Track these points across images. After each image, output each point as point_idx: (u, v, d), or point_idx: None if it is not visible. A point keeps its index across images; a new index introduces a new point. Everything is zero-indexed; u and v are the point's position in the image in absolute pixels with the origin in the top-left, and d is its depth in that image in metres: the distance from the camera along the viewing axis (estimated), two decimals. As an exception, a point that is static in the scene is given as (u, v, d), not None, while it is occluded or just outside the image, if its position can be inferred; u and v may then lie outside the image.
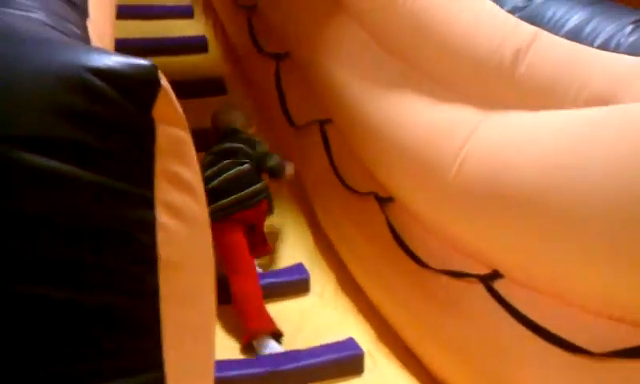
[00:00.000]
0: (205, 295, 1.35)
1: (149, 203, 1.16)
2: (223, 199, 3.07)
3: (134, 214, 1.14)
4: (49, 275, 1.07)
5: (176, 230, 1.21)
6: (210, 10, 5.12)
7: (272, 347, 2.87)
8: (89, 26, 1.74)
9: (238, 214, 3.09)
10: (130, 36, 4.41)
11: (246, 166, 3.19)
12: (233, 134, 3.36)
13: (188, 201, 1.25)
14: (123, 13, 4.01)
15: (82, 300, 1.09)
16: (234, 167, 3.17)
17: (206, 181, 3.04)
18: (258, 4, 4.29)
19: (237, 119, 3.48)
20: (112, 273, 1.12)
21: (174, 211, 1.21)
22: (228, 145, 3.27)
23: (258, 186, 3.18)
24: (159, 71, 1.17)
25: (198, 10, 5.22)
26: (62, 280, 1.08)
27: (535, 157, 2.15)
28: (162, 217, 1.18)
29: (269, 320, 2.93)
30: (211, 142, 3.37)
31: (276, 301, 3.15)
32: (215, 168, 3.16)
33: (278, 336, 2.93)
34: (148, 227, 1.16)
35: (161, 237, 1.18)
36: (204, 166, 3.17)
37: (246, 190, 3.13)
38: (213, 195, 2.97)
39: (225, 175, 3.14)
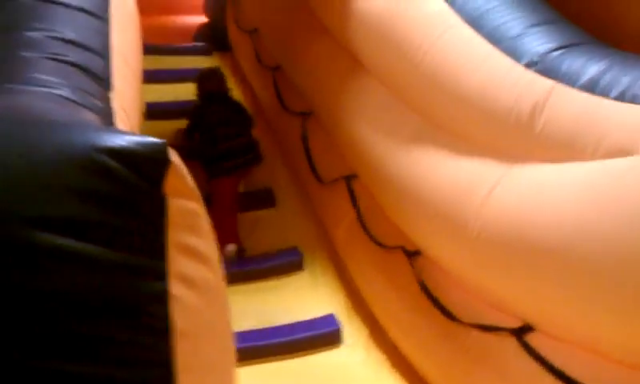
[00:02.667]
0: (223, 363, 1.36)
1: (161, 275, 1.19)
2: (236, 158, 3.98)
3: (146, 286, 1.18)
4: (64, 350, 1.10)
5: (190, 300, 1.24)
6: (237, 71, 5.25)
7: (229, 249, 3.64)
8: (112, 97, 1.81)
9: (241, 171, 4.02)
10: (161, 99, 4.55)
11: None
12: (226, 95, 4.20)
13: (202, 271, 1.28)
14: (153, 77, 4.16)
15: (97, 373, 1.12)
16: (246, 132, 4.10)
17: (224, 138, 3.97)
18: (282, 65, 4.39)
19: (226, 81, 4.31)
20: (125, 345, 1.14)
21: (188, 282, 1.24)
22: (233, 107, 4.16)
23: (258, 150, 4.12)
24: (169, 147, 1.21)
25: (226, 72, 5.35)
26: (76, 354, 1.11)
27: (557, 209, 2.14)
28: (176, 288, 1.21)
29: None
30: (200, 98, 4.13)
31: (307, 353, 3.15)
32: (230, 129, 4.00)
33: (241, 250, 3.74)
34: (161, 299, 1.19)
35: (175, 308, 1.20)
36: (212, 114, 3.98)
37: (253, 153, 4.09)
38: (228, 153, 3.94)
39: (238, 138, 4.05)
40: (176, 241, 1.22)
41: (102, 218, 1.14)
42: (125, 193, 1.16)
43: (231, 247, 3.70)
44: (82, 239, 1.12)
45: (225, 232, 3.48)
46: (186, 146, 4.00)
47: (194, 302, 1.25)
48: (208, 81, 4.27)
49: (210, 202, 3.65)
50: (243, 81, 5.16)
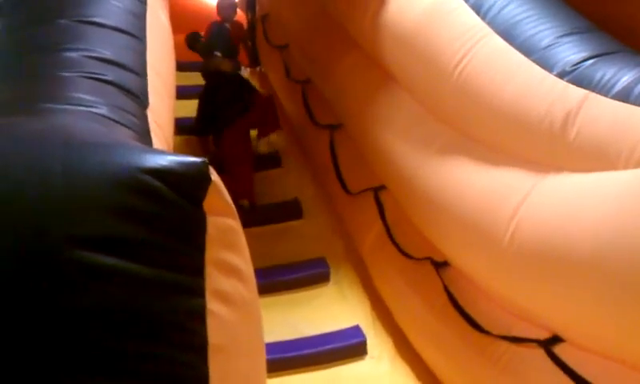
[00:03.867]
0: (255, 377, 1.38)
1: (200, 292, 1.22)
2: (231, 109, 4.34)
3: (185, 303, 1.20)
4: (104, 367, 1.12)
5: (226, 315, 1.26)
6: (266, 85, 5.31)
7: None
8: (149, 114, 1.85)
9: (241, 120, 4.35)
10: (190, 115, 4.62)
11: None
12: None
13: (238, 286, 1.31)
14: (185, 93, 4.24)
15: None
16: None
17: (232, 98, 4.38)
18: (311, 79, 4.43)
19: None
20: (164, 362, 1.17)
21: (224, 298, 1.26)
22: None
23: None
24: (209, 167, 1.24)
25: (254, 85, 5.40)
26: (116, 371, 1.13)
27: (589, 219, 2.13)
28: (213, 304, 1.23)
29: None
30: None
31: (333, 365, 3.16)
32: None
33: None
34: (199, 315, 1.21)
35: (211, 324, 1.22)
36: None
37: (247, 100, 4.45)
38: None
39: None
40: (214, 258, 1.25)
41: (144, 236, 1.17)
42: (167, 212, 1.19)
43: (244, 202, 4.08)
44: (124, 258, 1.15)
45: (239, 188, 3.94)
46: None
47: (230, 317, 1.28)
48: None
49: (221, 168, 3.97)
50: (273, 95, 5.21)
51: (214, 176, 1.25)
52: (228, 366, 1.26)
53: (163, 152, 1.24)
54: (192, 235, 1.22)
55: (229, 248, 1.29)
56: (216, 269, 1.25)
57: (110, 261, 1.14)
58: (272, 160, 4.61)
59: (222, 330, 1.25)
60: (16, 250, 1.11)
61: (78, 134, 1.31)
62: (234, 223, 1.32)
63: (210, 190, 1.23)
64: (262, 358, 1.42)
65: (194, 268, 1.22)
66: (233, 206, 1.32)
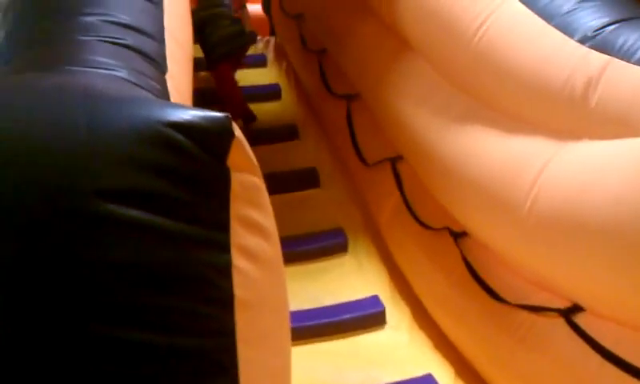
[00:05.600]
0: (280, 335, 1.39)
1: (225, 247, 1.22)
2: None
3: (211, 258, 1.21)
4: (130, 319, 1.14)
5: (251, 272, 1.26)
6: (282, 58, 5.28)
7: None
8: (168, 80, 1.85)
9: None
10: (206, 85, 4.61)
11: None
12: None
13: (262, 244, 1.31)
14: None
15: (161, 342, 1.15)
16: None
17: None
18: (327, 48, 4.40)
19: None
20: (190, 315, 1.18)
21: (249, 254, 1.27)
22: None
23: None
24: (232, 122, 1.24)
25: (270, 58, 5.39)
26: (141, 323, 1.14)
27: (611, 186, 2.11)
28: (238, 260, 1.24)
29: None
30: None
31: (352, 334, 3.18)
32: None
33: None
34: (224, 270, 1.22)
35: (236, 279, 1.23)
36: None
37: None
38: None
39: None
40: (238, 214, 1.25)
41: (168, 190, 1.17)
42: (190, 166, 1.19)
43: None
44: (148, 211, 1.15)
45: (235, 106, 4.50)
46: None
47: (255, 273, 1.28)
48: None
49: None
50: (288, 65, 5.19)
51: (238, 132, 1.25)
52: (254, 321, 1.27)
53: (186, 107, 1.23)
54: (216, 190, 1.22)
55: (253, 205, 1.29)
56: (240, 225, 1.25)
57: (136, 214, 1.14)
58: (289, 131, 4.59)
59: (248, 286, 1.25)
60: (42, 204, 1.11)
61: (100, 90, 1.30)
62: (258, 181, 1.32)
63: (234, 145, 1.23)
64: (286, 315, 1.43)
65: (219, 223, 1.22)
66: (256, 163, 1.32)
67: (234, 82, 4.80)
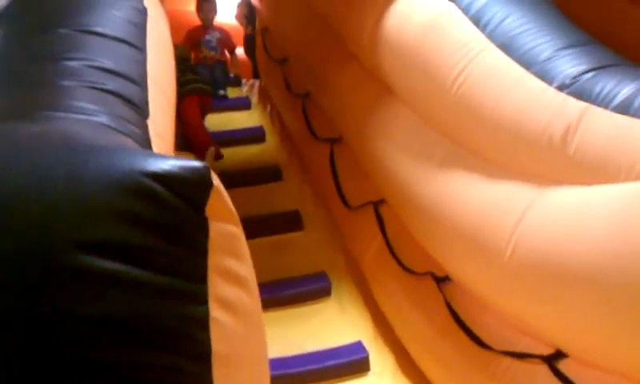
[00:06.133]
0: (259, 387, 1.36)
1: (203, 299, 1.21)
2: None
3: (188, 310, 1.18)
4: (106, 373, 1.11)
5: (229, 324, 1.24)
6: (266, 100, 5.32)
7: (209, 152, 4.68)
8: (149, 125, 1.84)
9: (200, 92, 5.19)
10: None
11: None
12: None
13: (241, 295, 1.29)
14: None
15: None
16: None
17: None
18: (310, 92, 4.44)
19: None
20: (168, 370, 1.15)
21: (227, 306, 1.25)
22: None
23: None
24: (211, 171, 1.23)
25: (254, 101, 5.44)
26: (119, 378, 1.12)
27: (590, 232, 2.12)
28: (216, 312, 1.22)
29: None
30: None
31: (335, 381, 3.14)
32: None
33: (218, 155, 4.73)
34: (202, 323, 1.20)
35: (214, 332, 1.21)
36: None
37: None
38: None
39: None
40: (217, 264, 1.24)
41: (146, 241, 1.16)
42: (169, 217, 1.18)
43: (211, 150, 4.66)
44: (126, 263, 1.14)
45: (202, 140, 4.75)
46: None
47: (233, 326, 1.26)
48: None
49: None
50: (272, 108, 5.24)
51: (216, 181, 1.24)
52: (232, 375, 1.25)
53: (165, 156, 1.22)
54: (194, 240, 1.21)
55: (231, 255, 1.28)
56: (219, 275, 1.24)
57: (113, 266, 1.12)
58: (273, 173, 4.60)
59: (226, 339, 1.23)
60: (17, 254, 1.10)
61: (79, 139, 1.30)
62: (237, 230, 1.31)
63: (212, 194, 1.22)
64: (266, 369, 1.40)
65: (197, 274, 1.21)
66: (235, 212, 1.31)
67: (199, 120, 5.02)
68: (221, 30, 5.85)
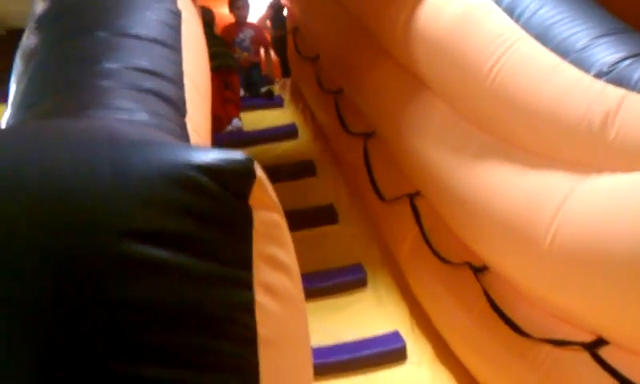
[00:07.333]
0: (302, 370, 1.39)
1: (248, 285, 1.23)
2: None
3: (234, 296, 1.21)
4: (155, 358, 1.14)
5: (274, 309, 1.27)
6: (298, 98, 5.36)
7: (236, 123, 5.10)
8: (187, 123, 1.88)
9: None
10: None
11: None
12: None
13: (284, 281, 1.32)
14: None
15: (187, 380, 1.15)
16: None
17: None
18: (343, 88, 4.46)
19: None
20: (214, 354, 1.18)
21: (272, 291, 1.27)
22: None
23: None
24: (254, 163, 1.26)
25: (287, 99, 5.48)
26: (166, 361, 1.15)
27: (630, 219, 2.10)
28: (261, 297, 1.25)
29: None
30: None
31: (373, 370, 3.17)
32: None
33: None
34: (248, 308, 1.23)
35: (260, 317, 1.24)
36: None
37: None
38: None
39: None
40: (261, 251, 1.26)
41: (193, 230, 1.19)
42: (215, 207, 1.21)
43: (236, 121, 4.96)
44: (173, 251, 1.17)
45: (228, 114, 5.00)
46: None
47: (277, 311, 1.29)
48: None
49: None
50: (304, 105, 5.27)
51: (259, 172, 1.27)
52: (277, 359, 1.27)
53: (208, 149, 1.26)
54: (239, 229, 1.24)
55: (275, 242, 1.31)
56: (263, 262, 1.27)
57: (161, 254, 1.15)
58: (307, 168, 4.63)
59: (271, 323, 1.26)
60: (67, 246, 1.13)
61: (123, 134, 1.33)
62: (280, 219, 1.33)
63: (256, 185, 1.25)
64: (309, 352, 1.43)
65: (243, 261, 1.23)
66: (278, 202, 1.34)
67: (220, 97, 5.02)
68: (253, 26, 5.89)
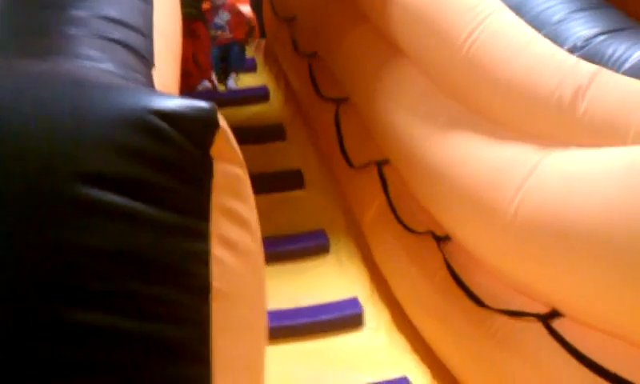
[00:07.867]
0: (256, 327, 1.38)
1: (204, 237, 1.22)
2: None
3: (190, 246, 1.20)
4: (105, 304, 1.13)
5: (230, 262, 1.26)
6: (272, 61, 5.28)
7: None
8: (154, 75, 1.84)
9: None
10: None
11: None
12: None
13: (243, 235, 1.30)
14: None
15: (137, 328, 1.15)
16: None
17: None
18: (318, 51, 4.41)
19: None
20: (167, 302, 1.17)
21: (229, 245, 1.26)
22: None
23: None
24: (218, 113, 1.24)
25: (260, 62, 5.39)
26: (116, 308, 1.14)
27: (595, 194, 2.12)
28: (217, 250, 1.23)
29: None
30: None
31: (330, 335, 3.19)
32: None
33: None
34: (203, 259, 1.21)
35: (215, 269, 1.22)
36: None
37: None
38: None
39: None
40: (219, 204, 1.25)
41: (151, 177, 1.17)
42: (174, 154, 1.18)
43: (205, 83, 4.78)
44: (129, 197, 1.15)
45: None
46: None
47: (234, 264, 1.28)
48: None
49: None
50: (278, 68, 5.20)
51: (223, 122, 1.24)
52: (230, 312, 1.26)
53: (171, 96, 1.23)
54: (198, 179, 1.22)
55: (235, 196, 1.29)
56: (222, 215, 1.25)
57: (116, 199, 1.13)
58: (276, 132, 4.59)
59: (226, 276, 1.25)
60: (22, 185, 1.11)
61: (86, 77, 1.30)
62: (242, 173, 1.32)
63: (218, 135, 1.23)
64: (264, 308, 1.42)
65: (200, 212, 1.22)
66: (240, 155, 1.32)
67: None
68: (232, 9, 5.05)
